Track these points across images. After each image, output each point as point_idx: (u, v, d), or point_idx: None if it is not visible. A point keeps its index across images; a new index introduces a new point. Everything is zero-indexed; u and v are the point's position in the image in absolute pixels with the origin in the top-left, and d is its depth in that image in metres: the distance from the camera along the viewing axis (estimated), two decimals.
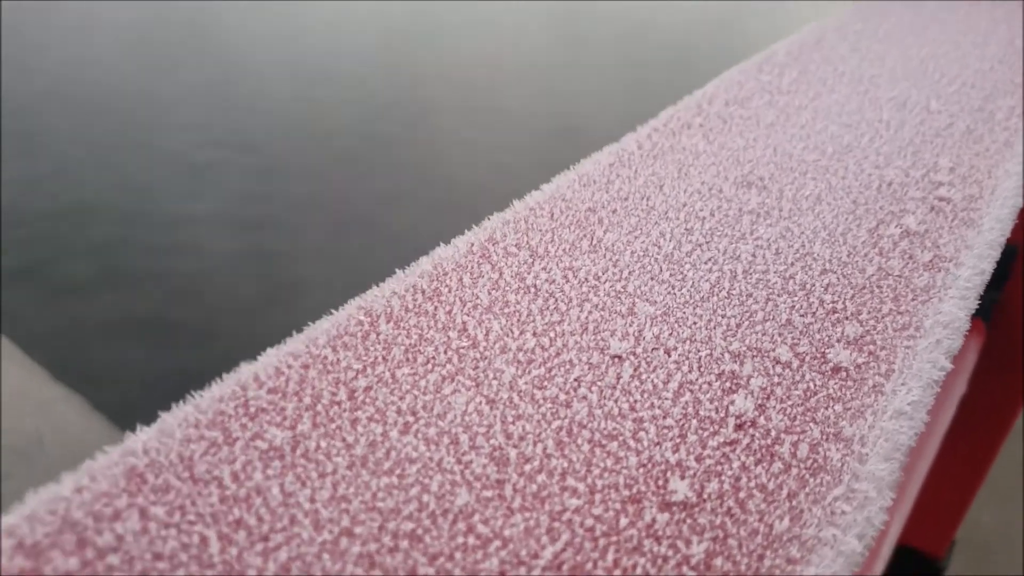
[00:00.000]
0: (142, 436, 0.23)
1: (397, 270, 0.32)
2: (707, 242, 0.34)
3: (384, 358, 0.27)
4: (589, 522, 0.22)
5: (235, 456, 0.23)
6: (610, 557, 0.21)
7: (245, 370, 0.26)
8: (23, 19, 3.30)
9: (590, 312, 0.30)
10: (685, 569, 0.21)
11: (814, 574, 0.21)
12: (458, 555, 0.21)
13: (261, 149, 2.69)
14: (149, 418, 0.24)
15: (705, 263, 0.33)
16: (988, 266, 0.33)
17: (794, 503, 0.23)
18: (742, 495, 0.23)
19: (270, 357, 0.27)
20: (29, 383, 2.02)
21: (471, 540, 0.21)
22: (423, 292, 0.30)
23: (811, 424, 0.25)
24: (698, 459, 0.24)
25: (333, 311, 0.30)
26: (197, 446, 0.23)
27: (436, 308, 0.30)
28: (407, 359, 0.27)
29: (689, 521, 0.22)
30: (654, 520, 0.22)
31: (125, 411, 1.86)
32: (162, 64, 3.27)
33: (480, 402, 0.26)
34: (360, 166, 2.54)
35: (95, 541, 0.20)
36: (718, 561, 0.21)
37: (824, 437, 0.25)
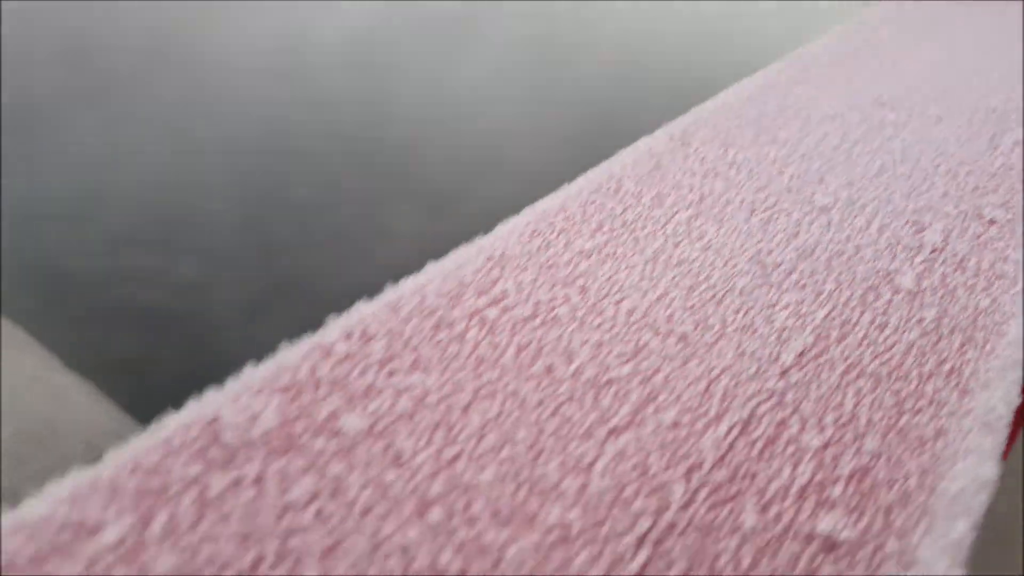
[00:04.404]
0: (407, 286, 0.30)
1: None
2: (864, 139, 0.41)
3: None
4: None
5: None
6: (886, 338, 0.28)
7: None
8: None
9: (790, 179, 0.37)
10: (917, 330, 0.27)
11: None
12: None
13: (255, 151, 2.76)
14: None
15: (867, 153, 0.40)
16: None
17: (984, 280, 0.30)
18: (950, 284, 0.30)
19: (507, 229, 0.33)
20: (42, 370, 2.04)
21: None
22: (646, 167, 0.37)
23: (985, 251, 0.32)
24: (911, 265, 0.31)
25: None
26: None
27: (662, 177, 0.36)
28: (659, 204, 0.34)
29: (916, 303, 0.29)
30: (890, 302, 0.29)
31: (132, 398, 1.90)
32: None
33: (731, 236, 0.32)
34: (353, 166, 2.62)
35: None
36: (945, 323, 0.28)
37: (991, 263, 0.32)
